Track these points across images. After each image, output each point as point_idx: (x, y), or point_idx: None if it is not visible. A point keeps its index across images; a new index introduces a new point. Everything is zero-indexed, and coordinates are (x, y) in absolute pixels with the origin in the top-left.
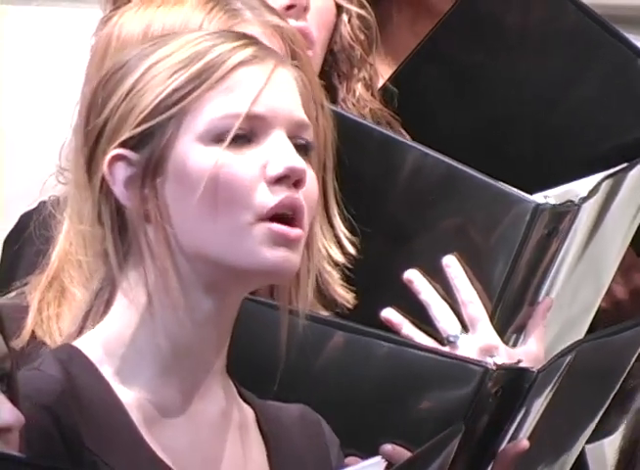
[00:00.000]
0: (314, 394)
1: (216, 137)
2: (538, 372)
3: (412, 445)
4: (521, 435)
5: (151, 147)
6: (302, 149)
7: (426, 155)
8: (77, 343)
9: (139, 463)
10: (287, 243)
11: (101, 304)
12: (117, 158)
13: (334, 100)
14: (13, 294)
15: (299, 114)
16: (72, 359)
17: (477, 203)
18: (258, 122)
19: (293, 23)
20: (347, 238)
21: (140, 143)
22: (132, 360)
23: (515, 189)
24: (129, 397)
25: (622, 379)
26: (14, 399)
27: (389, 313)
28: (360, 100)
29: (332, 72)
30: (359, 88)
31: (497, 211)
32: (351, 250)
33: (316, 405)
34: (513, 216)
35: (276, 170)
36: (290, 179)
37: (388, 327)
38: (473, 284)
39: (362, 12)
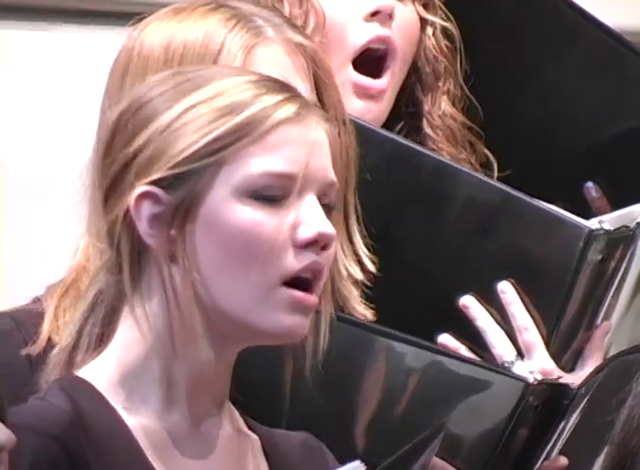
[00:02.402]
0: (347, 404)
1: (252, 193)
2: (578, 389)
3: (450, 459)
4: (554, 452)
5: (184, 191)
6: (327, 208)
7: (480, 181)
8: (82, 373)
9: None
10: (304, 310)
11: (97, 322)
12: (146, 194)
13: (419, 113)
14: (29, 300)
15: (331, 175)
16: (78, 390)
17: (531, 229)
18: (293, 183)
19: (376, 30)
20: (367, 255)
21: (172, 184)
22: (140, 390)
23: (569, 214)
24: (137, 425)
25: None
26: (3, 419)
27: (445, 339)
28: (446, 113)
29: (416, 86)
30: (444, 101)
31: (552, 237)
32: (371, 267)
33: (349, 416)
34: (567, 242)
35: (307, 235)
36: (318, 244)
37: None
38: (528, 310)
39: (446, 24)
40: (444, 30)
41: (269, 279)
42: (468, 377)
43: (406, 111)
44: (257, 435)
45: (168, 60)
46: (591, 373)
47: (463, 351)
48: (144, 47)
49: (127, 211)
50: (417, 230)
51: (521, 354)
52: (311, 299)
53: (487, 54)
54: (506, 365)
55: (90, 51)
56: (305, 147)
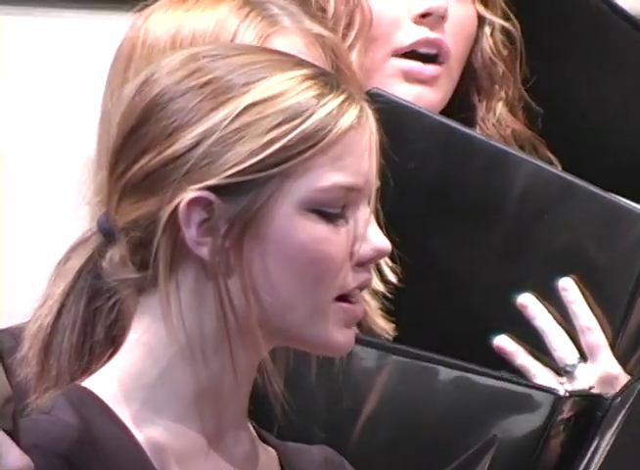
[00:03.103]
0: (370, 426)
1: (317, 208)
2: (612, 399)
3: None
4: (593, 466)
5: (243, 201)
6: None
7: (540, 169)
8: (90, 383)
9: None
10: (354, 322)
11: (80, 307)
12: (198, 200)
13: (472, 119)
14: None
15: (376, 179)
16: (86, 403)
17: (594, 220)
18: (356, 195)
19: (426, 33)
20: (389, 266)
21: (230, 192)
22: (155, 402)
23: (634, 204)
24: (149, 441)
25: None
26: (18, 444)
27: (503, 341)
28: (501, 120)
29: (471, 89)
30: (500, 107)
31: (617, 229)
32: (392, 278)
33: (372, 438)
34: (633, 234)
35: (367, 254)
36: (375, 261)
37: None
38: (592, 309)
39: (507, 24)
40: (504, 30)
41: (327, 296)
42: (495, 392)
43: (458, 116)
44: (274, 449)
45: (175, 50)
46: (628, 382)
47: (522, 353)
48: (149, 36)
49: (173, 213)
50: (467, 223)
51: (584, 357)
52: (361, 310)
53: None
54: (568, 369)
55: (92, 38)
56: (366, 155)
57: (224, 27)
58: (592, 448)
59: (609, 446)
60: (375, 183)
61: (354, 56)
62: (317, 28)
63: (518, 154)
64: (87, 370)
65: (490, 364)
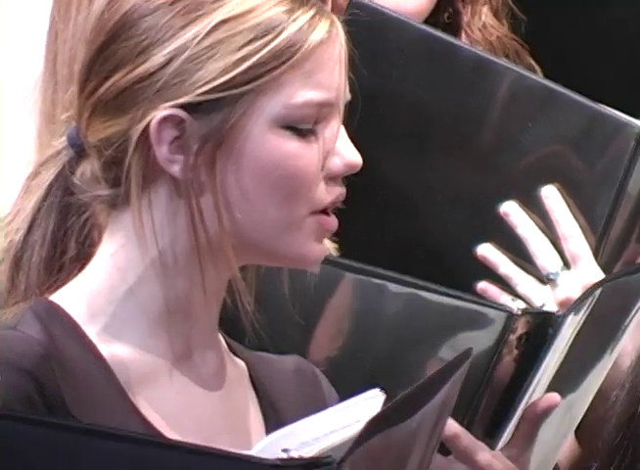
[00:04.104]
0: (323, 339)
1: (291, 124)
2: (564, 316)
3: None
4: (542, 384)
5: (215, 119)
6: None
7: (523, 77)
8: (57, 298)
9: (127, 429)
10: (327, 235)
11: (50, 220)
12: (170, 118)
13: (457, 25)
14: None
15: (348, 92)
16: (53, 318)
17: (578, 128)
18: (328, 110)
19: None
20: None
21: (202, 110)
22: (122, 318)
23: (619, 113)
24: (115, 357)
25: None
26: None
27: (486, 250)
28: (487, 25)
29: None
30: (485, 11)
31: (600, 137)
32: None
33: (325, 351)
34: (617, 142)
35: (338, 168)
36: (346, 174)
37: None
38: (575, 217)
39: None
40: None
41: (301, 211)
42: (448, 309)
43: (444, 22)
44: (244, 361)
45: None
46: (578, 298)
47: (505, 262)
48: None
49: (144, 131)
50: (451, 132)
51: (567, 265)
52: (335, 222)
53: None
54: (551, 277)
55: None
56: (337, 69)
57: None
58: (544, 364)
59: (561, 359)
60: (345, 97)
61: None
62: None
63: (501, 62)
64: (58, 286)
65: (473, 274)
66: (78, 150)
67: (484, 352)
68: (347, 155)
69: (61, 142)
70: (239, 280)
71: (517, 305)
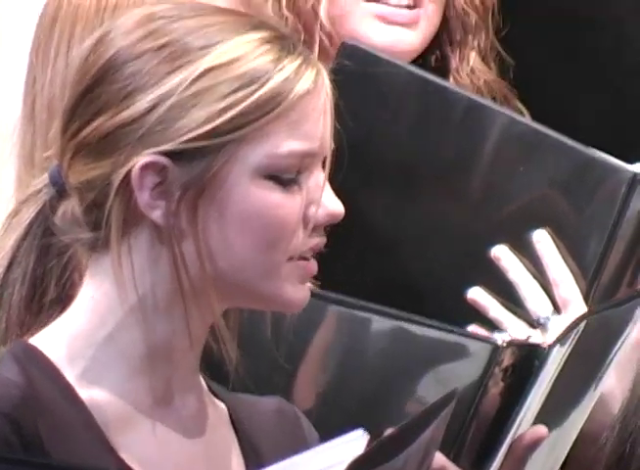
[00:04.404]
0: (309, 376)
1: (274, 173)
2: (550, 347)
3: None
4: (528, 417)
5: (197, 167)
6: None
7: (514, 121)
8: (37, 341)
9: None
10: (309, 277)
11: (30, 260)
12: (152, 164)
13: (445, 70)
14: None
15: (331, 141)
16: (31, 360)
17: (569, 172)
18: (310, 160)
19: None
20: None
21: (185, 158)
22: (101, 361)
23: (611, 157)
24: (96, 400)
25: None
26: None
27: (476, 293)
28: (475, 70)
29: (444, 40)
30: (473, 57)
31: (591, 182)
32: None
33: (311, 389)
34: (608, 187)
35: (319, 218)
36: (327, 223)
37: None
38: (565, 262)
39: None
40: None
41: (277, 258)
42: (433, 342)
43: (431, 66)
44: (225, 403)
45: (100, 10)
46: (564, 330)
47: (495, 306)
48: None
49: (126, 176)
50: (442, 174)
51: (557, 310)
52: (315, 266)
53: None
54: (541, 321)
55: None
56: (321, 119)
57: None
58: (530, 396)
59: (547, 392)
60: (330, 146)
61: (323, 6)
62: None
63: (492, 106)
64: (39, 328)
65: (463, 317)
66: (59, 189)
67: (470, 384)
68: (330, 205)
69: (42, 180)
70: (222, 327)
71: (502, 338)
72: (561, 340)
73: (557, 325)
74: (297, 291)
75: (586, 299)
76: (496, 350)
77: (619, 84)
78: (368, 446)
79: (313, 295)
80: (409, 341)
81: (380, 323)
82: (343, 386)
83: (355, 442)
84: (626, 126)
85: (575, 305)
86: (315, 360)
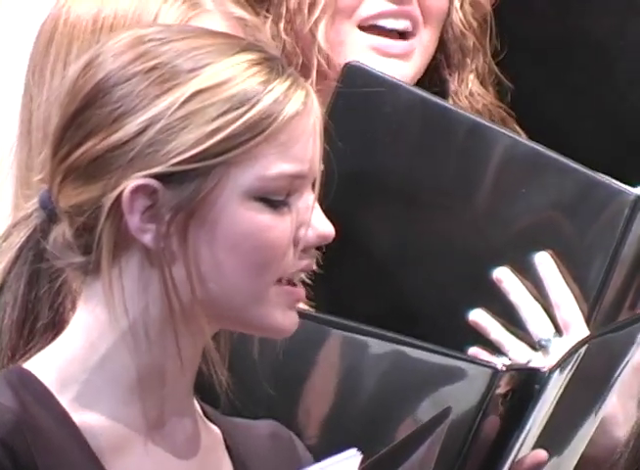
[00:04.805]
0: (307, 400)
1: (264, 195)
2: (550, 372)
3: None
4: (529, 441)
5: (187, 189)
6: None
7: (516, 143)
8: (30, 366)
9: None
10: (297, 304)
11: (21, 284)
12: (142, 187)
13: (444, 93)
14: None
15: (320, 163)
16: (25, 385)
17: (571, 194)
18: (300, 182)
19: (392, 5)
20: None
21: (175, 180)
22: (94, 386)
23: (613, 180)
24: (90, 425)
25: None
26: None
27: (478, 316)
28: (474, 93)
29: (441, 63)
30: (472, 80)
31: (593, 204)
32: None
33: (310, 413)
34: (610, 210)
35: (309, 240)
36: (317, 245)
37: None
38: (567, 284)
39: None
40: (474, 3)
41: (267, 280)
42: (432, 366)
43: (431, 90)
44: (219, 427)
45: (96, 30)
46: (565, 354)
47: (496, 328)
48: (70, 14)
49: (116, 200)
50: (444, 196)
51: (559, 332)
52: (303, 292)
53: (522, 30)
54: (543, 343)
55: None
56: (311, 141)
57: (146, 8)
58: (530, 420)
59: (548, 416)
60: (319, 168)
61: (321, 30)
62: (239, 12)
63: (495, 127)
64: (30, 348)
65: (464, 339)
66: (50, 213)
67: (470, 408)
68: (320, 226)
69: (32, 204)
70: (212, 350)
71: (502, 362)
72: (561, 364)
73: (558, 347)
74: (286, 317)
75: (588, 321)
76: (496, 374)
77: (618, 108)
78: (361, 464)
79: (312, 318)
80: (408, 365)
81: (378, 347)
82: (341, 409)
83: (349, 460)
84: (626, 150)
85: (577, 328)
86: (313, 383)
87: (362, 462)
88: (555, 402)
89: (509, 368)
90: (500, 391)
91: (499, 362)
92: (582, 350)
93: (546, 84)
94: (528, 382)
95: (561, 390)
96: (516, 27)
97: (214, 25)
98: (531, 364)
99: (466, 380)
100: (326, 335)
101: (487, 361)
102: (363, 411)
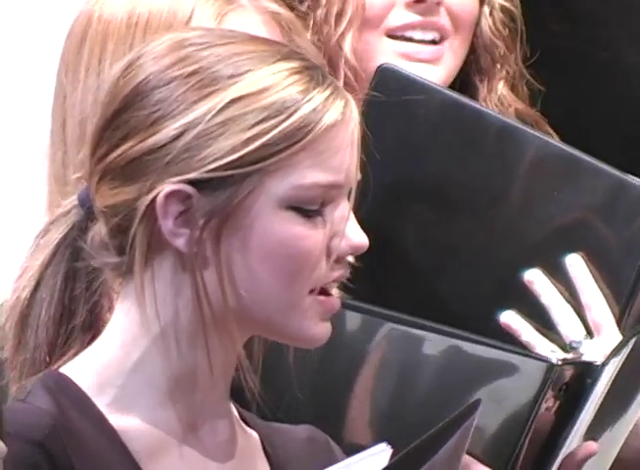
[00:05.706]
0: (360, 395)
1: (297, 205)
2: (602, 365)
3: (471, 450)
4: (580, 433)
5: (222, 196)
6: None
7: (549, 144)
8: (67, 370)
9: None
10: (330, 315)
11: (57, 281)
12: (177, 192)
13: (474, 99)
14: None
15: (358, 172)
16: (62, 389)
17: (603, 196)
18: (336, 192)
19: (419, 16)
20: None
21: (210, 186)
22: (130, 389)
23: None
24: (126, 428)
25: None
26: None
27: (509, 317)
28: (503, 100)
29: (471, 70)
30: (501, 87)
31: (625, 206)
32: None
33: (362, 408)
34: None
35: (343, 250)
36: (350, 255)
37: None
38: (598, 285)
39: (506, 3)
40: (504, 9)
41: (299, 289)
42: (487, 361)
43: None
44: (257, 431)
45: (131, 26)
46: (616, 347)
47: (527, 330)
48: (104, 11)
49: (151, 203)
50: (476, 198)
51: (590, 333)
52: (337, 302)
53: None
54: (574, 345)
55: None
56: (348, 150)
57: (181, 5)
58: (582, 414)
59: (595, 410)
60: (355, 178)
61: (348, 41)
62: (273, 6)
63: (528, 129)
64: (66, 348)
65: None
66: (88, 211)
67: (525, 402)
68: (354, 237)
69: (71, 201)
70: (243, 358)
71: (556, 356)
72: (614, 356)
73: (589, 349)
74: (318, 327)
75: (619, 323)
76: (551, 368)
77: None
78: (391, 458)
79: (366, 311)
80: (463, 359)
81: (434, 341)
82: (396, 404)
83: (379, 455)
84: None
85: (608, 329)
86: (367, 377)
87: (392, 456)
88: (604, 395)
89: (564, 362)
90: (555, 385)
91: (554, 357)
92: (632, 341)
93: (577, 89)
94: (581, 376)
95: (610, 382)
96: (547, 31)
97: (249, 20)
98: (584, 358)
99: (522, 374)
100: (380, 328)
101: (543, 355)
102: (419, 406)
